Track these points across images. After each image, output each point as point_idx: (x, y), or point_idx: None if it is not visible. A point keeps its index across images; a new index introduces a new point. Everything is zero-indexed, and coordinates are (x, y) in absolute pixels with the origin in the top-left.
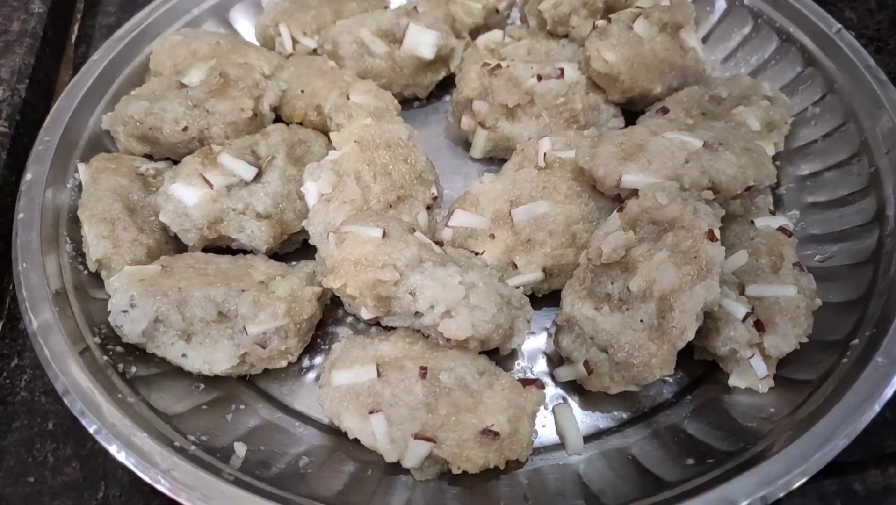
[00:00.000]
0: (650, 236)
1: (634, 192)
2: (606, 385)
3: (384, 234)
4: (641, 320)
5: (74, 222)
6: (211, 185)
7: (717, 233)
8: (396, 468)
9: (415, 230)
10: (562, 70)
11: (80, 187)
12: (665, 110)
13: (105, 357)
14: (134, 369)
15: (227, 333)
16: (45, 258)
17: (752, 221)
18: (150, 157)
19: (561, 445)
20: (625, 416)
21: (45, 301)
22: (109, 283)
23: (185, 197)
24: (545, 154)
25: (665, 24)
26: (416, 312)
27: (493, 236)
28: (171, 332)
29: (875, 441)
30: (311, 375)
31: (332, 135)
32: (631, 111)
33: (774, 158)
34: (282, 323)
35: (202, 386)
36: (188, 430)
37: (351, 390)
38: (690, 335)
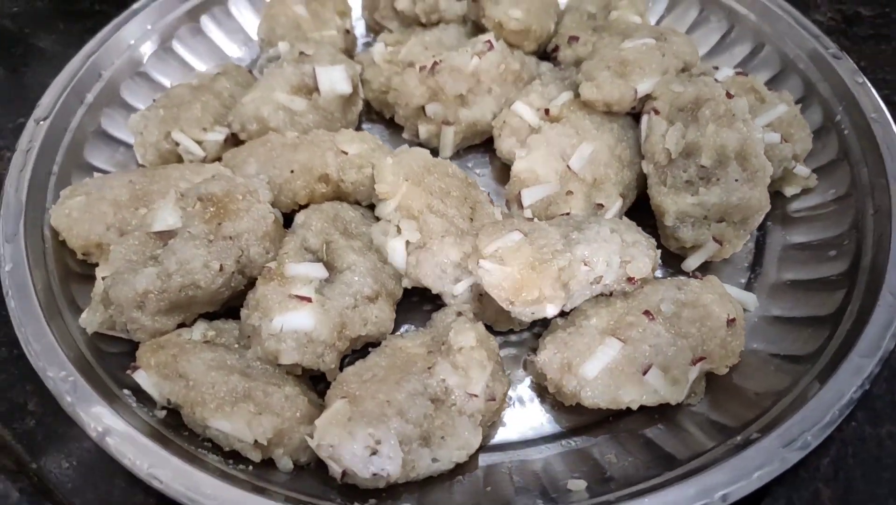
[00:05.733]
0: (686, 121)
1: (643, 99)
2: (737, 246)
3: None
4: (736, 179)
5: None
6: (309, 299)
7: (730, 90)
8: (663, 410)
9: (532, 217)
10: (489, 41)
11: (146, 397)
12: (575, 38)
13: None
14: None
15: (453, 412)
16: None
17: (716, 79)
18: (181, 325)
19: None
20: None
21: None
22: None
23: (300, 323)
24: (546, 109)
25: None
26: (596, 279)
27: (570, 192)
28: (413, 445)
29: None
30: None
31: (377, 186)
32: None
33: None
34: (491, 367)
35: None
36: None
37: (612, 370)
38: (771, 169)
